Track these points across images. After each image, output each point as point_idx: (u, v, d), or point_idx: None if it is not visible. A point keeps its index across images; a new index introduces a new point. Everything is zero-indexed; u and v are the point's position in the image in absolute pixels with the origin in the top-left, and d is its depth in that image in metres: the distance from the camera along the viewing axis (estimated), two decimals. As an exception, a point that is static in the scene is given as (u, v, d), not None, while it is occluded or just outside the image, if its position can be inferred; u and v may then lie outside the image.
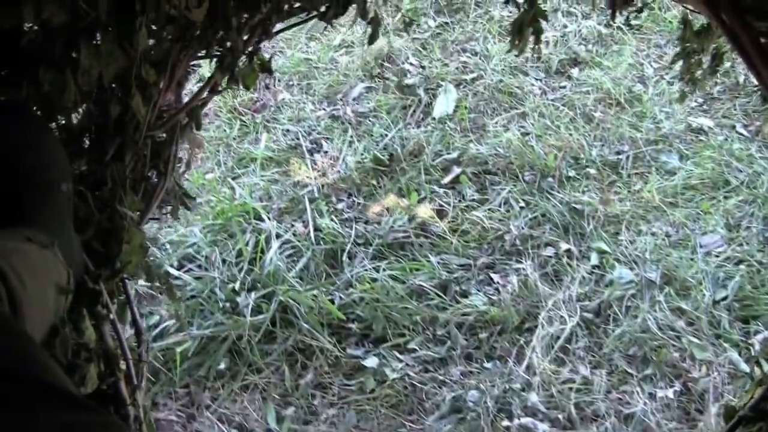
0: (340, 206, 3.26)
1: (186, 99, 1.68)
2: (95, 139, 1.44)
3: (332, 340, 2.76)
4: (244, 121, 3.74)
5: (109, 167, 1.42)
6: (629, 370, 2.68)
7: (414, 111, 3.73)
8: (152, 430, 1.67)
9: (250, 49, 1.64)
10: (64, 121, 1.40)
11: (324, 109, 3.82)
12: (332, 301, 2.88)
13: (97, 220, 1.43)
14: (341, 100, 3.86)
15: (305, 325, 2.76)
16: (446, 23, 4.23)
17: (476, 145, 3.52)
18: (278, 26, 1.72)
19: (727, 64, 3.60)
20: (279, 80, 3.97)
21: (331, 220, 3.17)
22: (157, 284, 1.71)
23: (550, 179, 3.36)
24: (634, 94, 3.79)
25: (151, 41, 1.39)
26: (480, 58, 4.04)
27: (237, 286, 2.86)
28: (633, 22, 4.02)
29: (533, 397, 2.59)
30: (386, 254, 3.06)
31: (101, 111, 1.39)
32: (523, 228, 3.16)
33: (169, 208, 1.77)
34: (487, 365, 2.72)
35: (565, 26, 4.21)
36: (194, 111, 1.66)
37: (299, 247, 3.04)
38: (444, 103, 3.71)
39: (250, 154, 3.54)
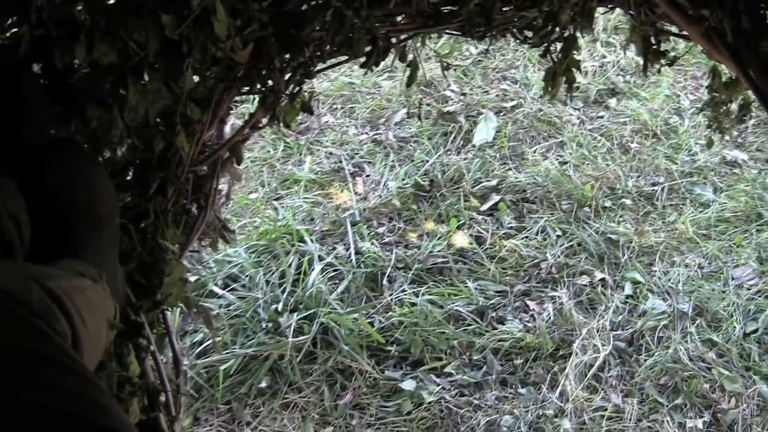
0: (380, 230, 3.34)
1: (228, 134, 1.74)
2: (139, 173, 1.49)
3: (371, 362, 2.83)
4: (288, 143, 3.82)
5: (152, 201, 1.47)
6: (660, 400, 2.73)
7: (454, 138, 3.81)
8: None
9: (291, 88, 1.67)
10: (108, 154, 1.44)
11: (366, 134, 3.91)
12: (372, 324, 2.95)
13: (139, 253, 1.46)
14: (383, 124, 3.95)
15: (345, 347, 2.83)
16: (487, 50, 4.29)
17: (515, 173, 3.60)
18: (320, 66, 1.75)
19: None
20: (323, 103, 4.07)
21: (372, 243, 3.25)
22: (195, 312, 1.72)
23: (586, 209, 3.43)
24: (671, 126, 3.85)
25: (196, 78, 1.44)
26: (520, 87, 4.13)
27: (280, 306, 2.93)
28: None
29: (566, 424, 2.65)
30: (425, 279, 3.13)
31: (146, 146, 1.44)
32: (559, 256, 3.22)
33: (209, 240, 1.82)
34: (522, 391, 2.78)
35: (604, 56, 4.28)
36: (235, 147, 1.71)
37: (341, 270, 3.12)
38: (484, 131, 3.79)
39: (294, 175, 3.63)
